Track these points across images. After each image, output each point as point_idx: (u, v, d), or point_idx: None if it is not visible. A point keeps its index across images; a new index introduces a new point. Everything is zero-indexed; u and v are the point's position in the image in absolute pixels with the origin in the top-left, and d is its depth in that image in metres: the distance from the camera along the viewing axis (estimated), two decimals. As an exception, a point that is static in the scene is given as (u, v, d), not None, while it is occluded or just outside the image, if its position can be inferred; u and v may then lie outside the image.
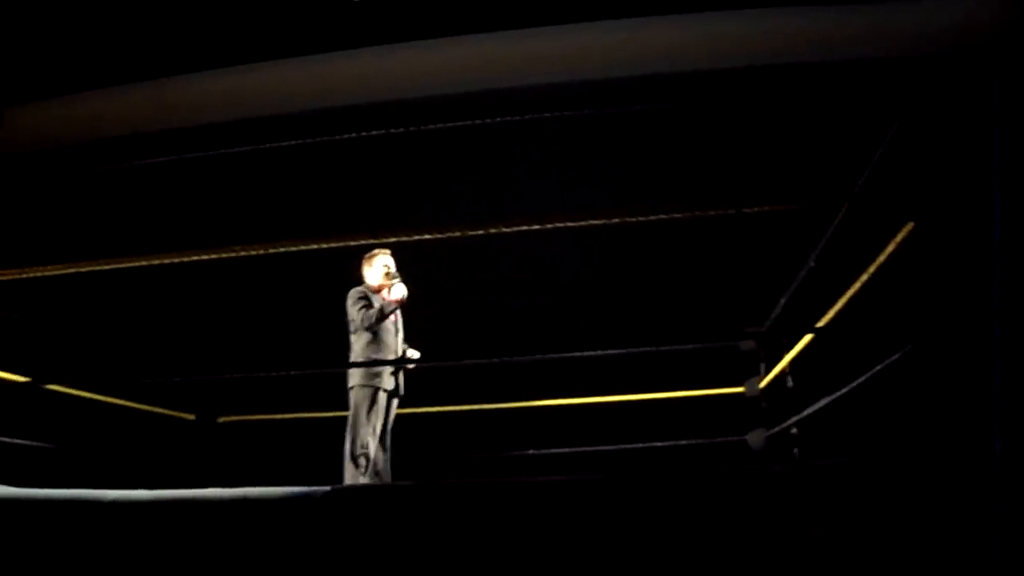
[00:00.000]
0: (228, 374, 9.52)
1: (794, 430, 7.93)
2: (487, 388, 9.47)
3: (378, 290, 7.44)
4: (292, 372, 6.21)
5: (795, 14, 5.27)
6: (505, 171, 9.62)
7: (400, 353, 7.46)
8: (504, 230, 4.84)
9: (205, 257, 5.25)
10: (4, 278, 5.64)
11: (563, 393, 9.22)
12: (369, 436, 7.08)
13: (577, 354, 8.20)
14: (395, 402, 7.37)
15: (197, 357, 10.82)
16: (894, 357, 5.27)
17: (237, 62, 7.80)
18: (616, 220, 4.65)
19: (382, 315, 7.24)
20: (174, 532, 4.47)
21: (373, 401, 7.14)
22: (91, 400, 9.00)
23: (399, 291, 7.30)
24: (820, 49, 5.26)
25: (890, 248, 5.64)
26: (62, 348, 9.83)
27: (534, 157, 9.33)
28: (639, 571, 3.76)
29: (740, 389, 8.75)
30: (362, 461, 7.04)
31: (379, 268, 7.46)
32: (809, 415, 7.13)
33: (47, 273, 5.55)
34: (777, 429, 8.15)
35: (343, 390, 7.33)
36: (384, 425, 7.26)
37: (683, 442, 8.78)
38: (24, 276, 5.59)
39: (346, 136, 5.96)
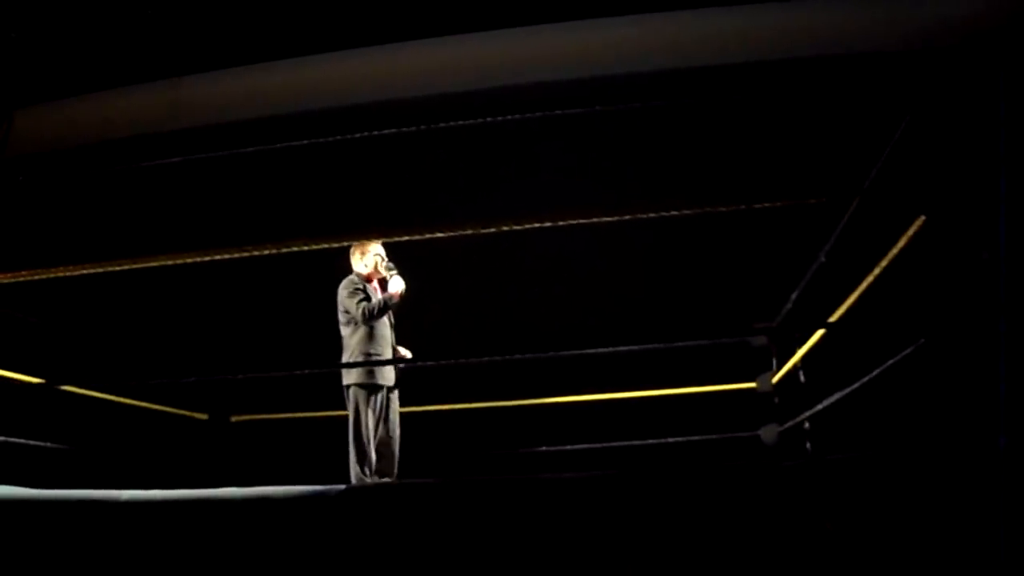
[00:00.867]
0: (240, 374, 9.55)
1: (807, 425, 7.93)
2: (499, 385, 9.48)
3: (369, 279, 7.38)
4: (303, 371, 6.20)
5: (802, 9, 5.28)
6: (516, 168, 9.62)
7: (394, 346, 7.39)
8: (516, 227, 4.85)
9: (216, 257, 5.26)
10: (18, 279, 5.65)
11: (576, 390, 9.22)
12: (371, 434, 7.02)
13: (589, 351, 8.20)
14: (395, 395, 7.29)
15: (209, 357, 10.84)
16: (906, 352, 5.27)
17: (248, 61, 7.82)
18: (627, 216, 4.65)
19: (384, 309, 7.17)
20: (188, 531, 4.49)
21: (373, 397, 7.08)
22: (105, 401, 9.03)
23: (398, 284, 7.19)
24: (828, 44, 5.26)
25: (901, 242, 5.64)
26: (76, 349, 9.86)
27: (546, 154, 9.33)
28: (654, 566, 3.77)
29: (752, 385, 8.75)
30: (368, 461, 6.99)
31: (372, 257, 7.37)
32: (821, 410, 7.14)
33: (60, 275, 5.57)
34: (790, 424, 8.15)
35: (340, 388, 7.26)
36: (388, 420, 7.20)
37: (696, 438, 8.78)
38: (37, 278, 5.61)
39: (357, 135, 5.97)
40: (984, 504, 3.64)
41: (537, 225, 4.79)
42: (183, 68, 7.94)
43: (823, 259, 7.11)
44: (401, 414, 7.37)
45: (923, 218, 5.35)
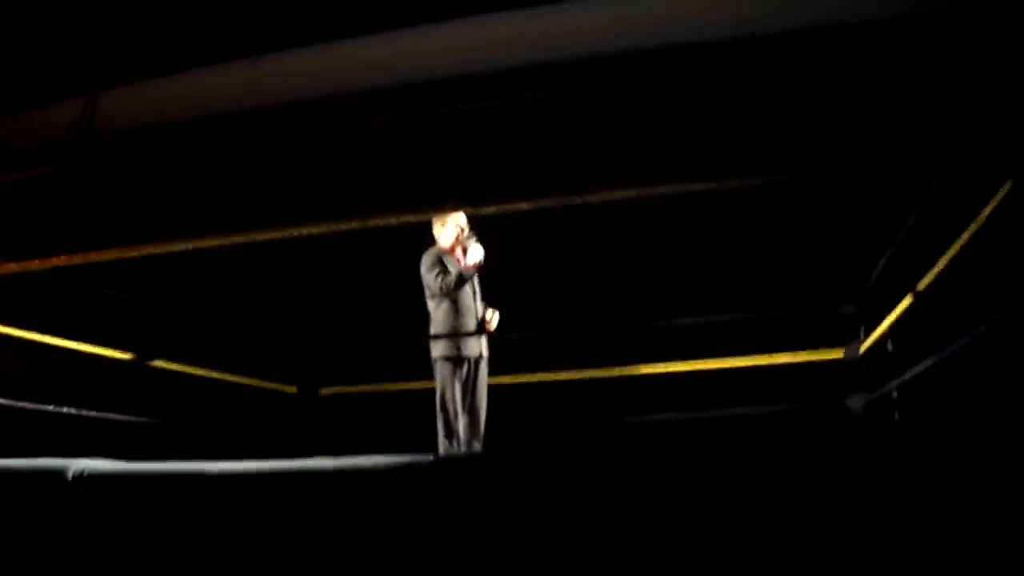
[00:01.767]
0: (329, 347, 9.62)
1: (895, 394, 7.87)
2: (587, 355, 9.49)
3: (451, 250, 7.37)
4: (390, 344, 6.23)
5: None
6: (600, 139, 9.59)
7: (481, 316, 7.41)
8: (602, 198, 4.84)
9: (303, 232, 5.30)
10: (108, 257, 5.73)
11: (662, 360, 9.20)
12: (460, 406, 7.04)
13: (677, 321, 8.19)
14: (483, 367, 7.30)
15: (298, 331, 10.94)
16: (995, 318, 5.21)
17: (330, 38, 7.86)
18: (716, 184, 4.63)
19: (461, 280, 7.13)
20: (279, 503, 4.53)
21: (460, 370, 7.09)
22: (196, 375, 9.15)
23: (476, 253, 7.17)
24: (905, 4, 5.20)
25: (989, 207, 5.57)
26: (166, 325, 9.99)
27: (631, 124, 9.28)
28: (742, 537, 3.77)
29: (840, 353, 8.69)
30: (456, 432, 7.01)
31: (452, 228, 7.35)
32: (910, 379, 7.07)
33: (150, 252, 5.64)
34: (878, 393, 8.08)
35: (429, 359, 7.28)
36: (476, 392, 7.22)
37: (784, 407, 8.73)
38: (127, 255, 5.68)
39: (438, 109, 5.98)
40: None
41: (623, 195, 4.78)
42: (265, 46, 7.99)
43: (911, 225, 7.03)
44: (492, 385, 7.40)
45: (1011, 182, 5.28)
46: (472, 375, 7.14)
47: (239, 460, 4.84)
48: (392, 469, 4.39)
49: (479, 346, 7.21)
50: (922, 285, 6.72)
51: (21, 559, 4.92)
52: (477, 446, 7.13)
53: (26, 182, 6.74)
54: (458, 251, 7.35)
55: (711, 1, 5.73)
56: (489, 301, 7.44)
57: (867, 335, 8.37)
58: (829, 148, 8.54)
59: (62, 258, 5.94)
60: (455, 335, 7.09)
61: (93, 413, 7.81)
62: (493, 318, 7.40)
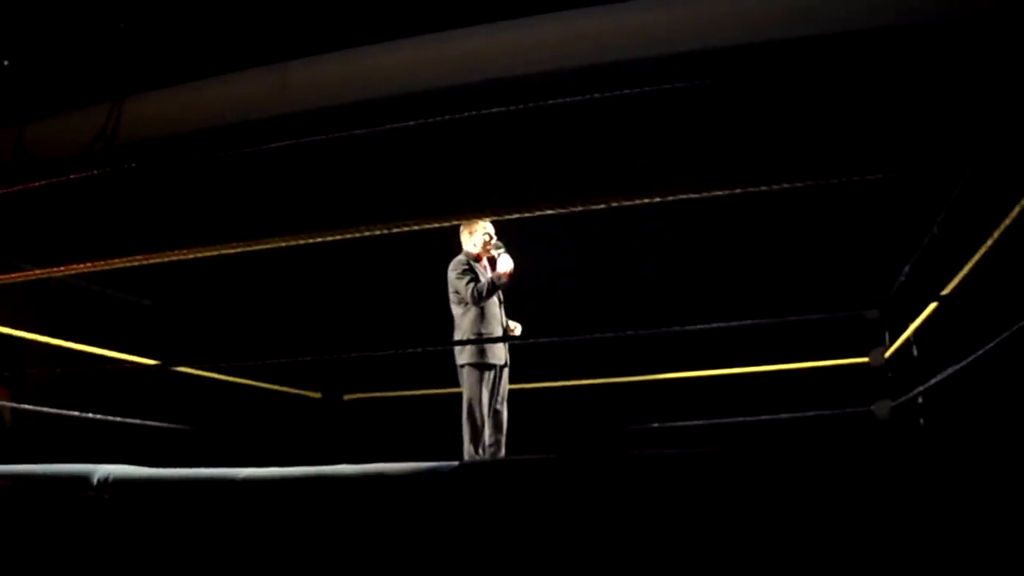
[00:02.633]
0: (353, 353, 9.62)
1: (920, 400, 7.84)
2: (610, 362, 9.47)
3: (478, 258, 7.38)
4: (414, 350, 6.22)
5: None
6: (623, 144, 9.58)
7: (505, 324, 7.40)
8: (624, 203, 4.83)
9: (328, 238, 5.30)
10: (133, 264, 5.74)
11: (686, 366, 9.18)
12: (485, 413, 7.04)
13: (700, 326, 8.17)
14: (506, 373, 7.29)
15: (322, 337, 10.96)
16: (1020, 324, 5.19)
17: (356, 44, 7.87)
18: (739, 190, 4.61)
19: (493, 288, 7.14)
20: (304, 508, 4.54)
21: (485, 377, 7.09)
22: (221, 381, 9.17)
23: (507, 263, 7.17)
24: (931, 10, 5.18)
25: (1015, 212, 5.55)
26: (191, 332, 10.02)
27: (655, 128, 9.28)
28: (766, 544, 3.76)
29: (865, 359, 8.66)
30: (481, 438, 7.01)
31: (480, 236, 7.36)
32: (936, 384, 7.05)
33: (174, 258, 5.64)
34: (903, 399, 8.05)
35: (452, 366, 7.28)
36: (498, 399, 7.22)
37: (809, 413, 8.70)
38: (151, 262, 5.69)
39: (465, 114, 5.98)
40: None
41: (646, 200, 4.77)
42: (290, 53, 8.01)
43: (935, 231, 7.00)
44: (513, 391, 7.40)
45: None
46: (497, 382, 7.14)
47: (264, 466, 4.85)
48: (417, 475, 4.40)
49: (504, 353, 7.21)
50: (947, 290, 6.69)
51: (46, 564, 4.94)
52: (501, 452, 7.13)
53: (51, 189, 6.76)
54: (485, 259, 7.35)
55: (741, 7, 5.73)
56: (510, 307, 7.44)
57: (892, 340, 8.33)
58: (855, 153, 8.52)
59: (87, 265, 5.95)
60: (483, 341, 7.09)
61: (118, 419, 7.84)
62: (516, 330, 7.41)
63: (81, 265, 5.99)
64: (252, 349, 10.34)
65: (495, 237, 7.33)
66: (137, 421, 8.08)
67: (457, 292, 7.19)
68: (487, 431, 7.02)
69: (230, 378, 9.36)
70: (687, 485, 3.96)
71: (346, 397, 10.74)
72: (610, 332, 6.89)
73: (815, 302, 9.03)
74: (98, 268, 5.91)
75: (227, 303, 10.54)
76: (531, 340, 7.66)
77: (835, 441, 4.53)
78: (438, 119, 6.21)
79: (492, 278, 7.13)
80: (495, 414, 7.11)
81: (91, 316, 8.60)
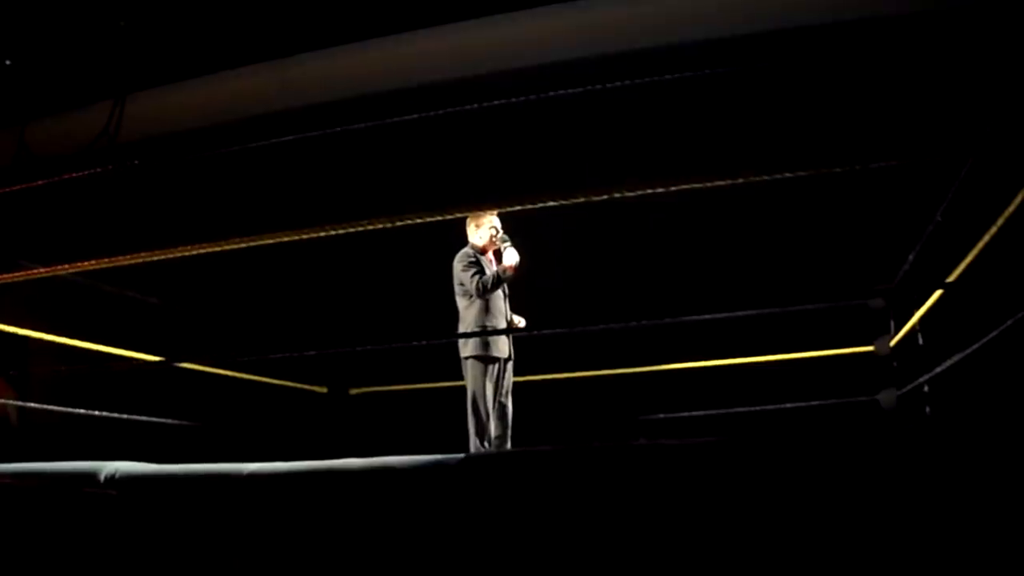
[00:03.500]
0: (359, 347, 9.65)
1: (926, 388, 7.83)
2: (615, 353, 9.47)
3: (484, 251, 7.37)
4: (419, 343, 6.21)
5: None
6: (626, 135, 9.58)
7: (509, 318, 7.41)
8: (627, 194, 4.83)
9: (331, 232, 5.30)
10: (136, 261, 5.74)
11: (691, 356, 9.17)
12: (490, 405, 7.04)
13: (706, 316, 8.17)
14: (510, 367, 7.28)
15: (327, 332, 10.96)
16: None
17: (355, 39, 7.86)
18: (741, 180, 4.61)
19: (498, 282, 7.14)
20: (311, 502, 4.55)
21: (489, 370, 7.08)
22: (227, 377, 9.18)
23: (513, 256, 7.16)
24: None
25: (1019, 199, 5.54)
26: (196, 328, 10.03)
27: (655, 119, 9.27)
28: (773, 534, 3.76)
29: (870, 348, 8.65)
30: (487, 431, 7.01)
31: (486, 229, 7.36)
32: (941, 373, 7.04)
33: (178, 255, 5.65)
34: (909, 388, 8.05)
35: (457, 359, 7.27)
36: (503, 392, 7.21)
37: (814, 403, 8.69)
38: (156, 258, 5.69)
39: (466, 107, 5.98)
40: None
41: (651, 191, 4.77)
42: (291, 49, 8.01)
43: (940, 219, 7.00)
44: (519, 384, 7.40)
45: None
46: (501, 375, 7.14)
47: (270, 461, 4.86)
48: (423, 468, 4.40)
49: (508, 347, 7.21)
50: (952, 278, 6.68)
51: (55, 561, 4.95)
52: (506, 445, 7.13)
53: (55, 187, 6.77)
54: (490, 252, 7.35)
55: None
56: (514, 300, 7.43)
57: (897, 329, 8.33)
58: (859, 141, 8.51)
59: (91, 262, 5.95)
60: (487, 334, 7.08)
61: (125, 416, 7.85)
62: (520, 323, 7.41)
63: (86, 263, 5.99)
64: (258, 345, 10.34)
65: (501, 231, 7.32)
66: (143, 418, 8.09)
67: (462, 284, 7.18)
68: (492, 424, 7.02)
69: (236, 374, 9.36)
70: (693, 475, 3.96)
71: (352, 391, 10.74)
72: (615, 323, 6.89)
73: (820, 291, 9.02)
74: (103, 266, 5.91)
75: (233, 299, 10.54)
76: (535, 332, 7.64)
77: (841, 430, 4.53)
78: (439, 112, 6.20)
79: (498, 271, 7.12)
80: (500, 407, 7.11)
81: (97, 314, 8.61)
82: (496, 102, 6.03)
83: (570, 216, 7.23)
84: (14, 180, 7.15)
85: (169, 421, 8.46)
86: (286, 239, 5.41)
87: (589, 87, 5.89)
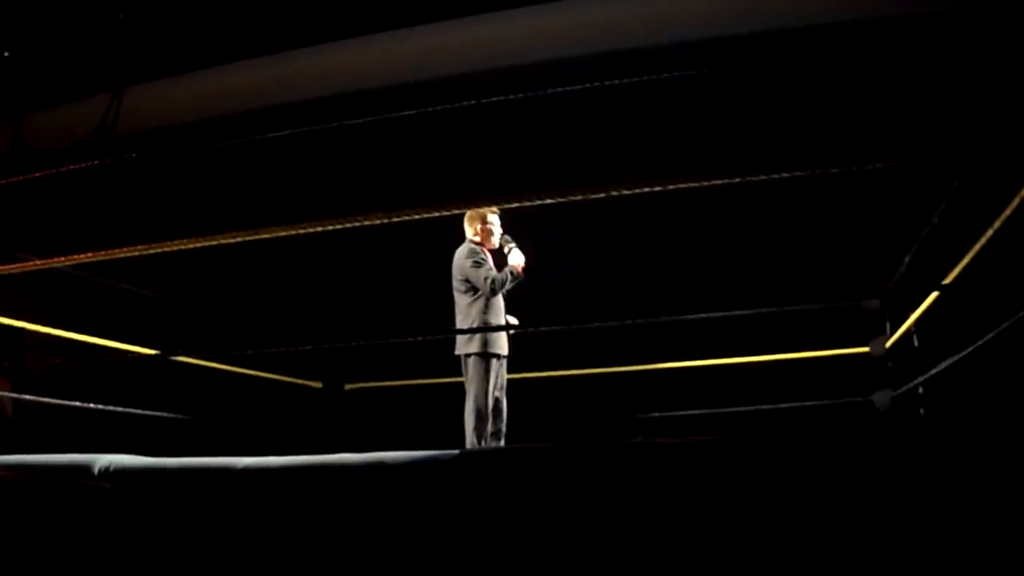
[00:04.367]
0: (354, 342, 9.61)
1: (921, 390, 7.84)
2: (610, 351, 9.48)
3: (482, 244, 7.35)
4: (414, 339, 6.20)
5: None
6: (622, 133, 9.58)
7: (506, 316, 7.39)
8: (622, 192, 4.83)
9: (329, 227, 5.30)
10: (133, 254, 5.74)
11: (688, 355, 9.18)
12: (490, 402, 7.03)
13: (702, 315, 8.17)
14: (504, 364, 7.30)
15: (323, 327, 10.97)
16: (1021, 314, 5.19)
17: (355, 34, 7.86)
18: (738, 179, 4.61)
19: (512, 280, 7.14)
20: (305, 497, 4.55)
21: (491, 367, 7.07)
22: (222, 371, 9.19)
23: (518, 257, 7.16)
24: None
25: (1015, 202, 5.55)
26: (193, 322, 10.03)
27: (653, 117, 9.27)
28: (767, 533, 3.76)
29: (865, 349, 8.66)
30: (485, 427, 7.00)
31: (486, 226, 7.33)
32: (936, 374, 7.05)
33: (175, 248, 5.64)
34: (904, 389, 8.06)
35: (452, 356, 7.27)
36: (499, 388, 7.21)
37: (809, 403, 8.70)
38: (153, 252, 5.69)
39: (465, 103, 5.97)
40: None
41: (648, 189, 4.77)
42: (291, 43, 8.00)
43: (936, 220, 7.00)
44: (515, 380, 7.40)
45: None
46: (499, 372, 7.13)
47: (265, 455, 4.86)
48: (418, 464, 4.40)
49: (506, 344, 7.20)
50: (948, 280, 6.69)
51: (48, 554, 4.95)
52: (501, 442, 7.13)
53: (52, 179, 6.76)
54: (487, 249, 7.33)
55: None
56: (509, 294, 7.42)
57: (893, 330, 8.34)
58: (857, 142, 8.52)
59: (87, 255, 5.95)
60: (487, 330, 7.07)
61: (119, 409, 7.85)
62: (513, 321, 7.41)
63: (82, 255, 5.99)
64: (253, 339, 10.34)
65: (502, 230, 7.31)
66: (138, 411, 8.09)
67: (468, 280, 7.14)
68: (490, 420, 7.01)
69: (231, 368, 9.37)
70: (687, 474, 3.96)
71: (347, 387, 10.75)
72: (611, 321, 6.89)
73: (816, 292, 9.03)
74: (99, 258, 5.91)
75: (228, 293, 10.55)
76: (531, 329, 7.64)
77: (835, 431, 4.54)
78: (436, 109, 6.20)
79: (509, 270, 7.10)
80: (496, 403, 7.10)
81: (92, 306, 8.61)
82: (493, 99, 6.02)
83: (567, 213, 7.24)
84: (11, 172, 7.14)
85: (164, 414, 8.46)
86: (283, 234, 5.41)
87: (587, 85, 5.89)
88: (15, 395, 8.42)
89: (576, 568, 3.97)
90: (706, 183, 4.77)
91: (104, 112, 8.27)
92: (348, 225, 5.24)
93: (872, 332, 8.65)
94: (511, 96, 6.09)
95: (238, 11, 8.08)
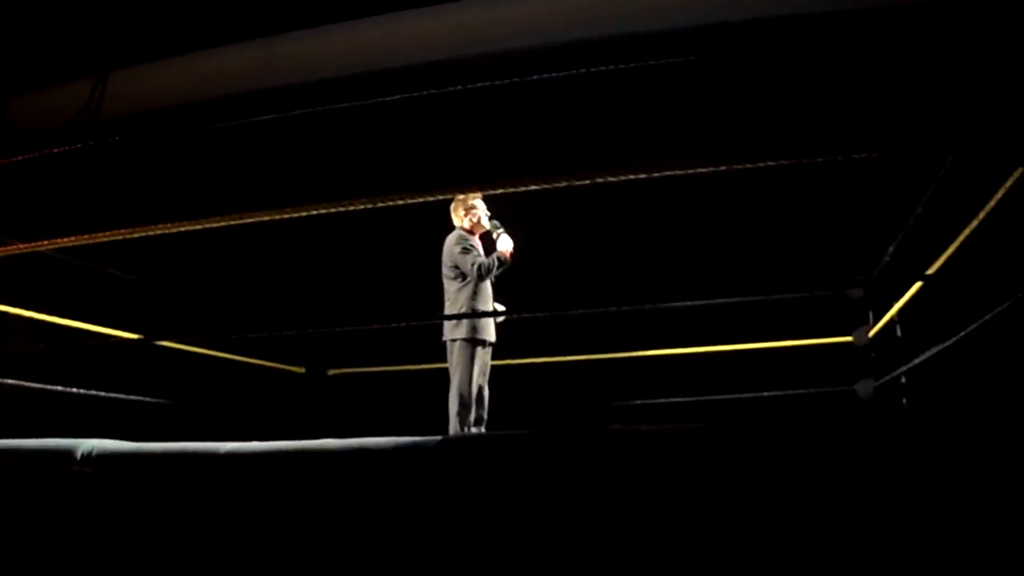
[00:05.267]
0: (337, 327, 9.62)
1: (903, 379, 7.86)
2: (594, 338, 9.49)
3: (472, 233, 7.38)
4: (398, 324, 6.20)
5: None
6: (611, 119, 9.58)
7: (494, 303, 7.39)
8: (609, 179, 4.83)
9: (313, 212, 5.29)
10: (116, 238, 5.72)
11: (670, 343, 9.19)
12: (474, 388, 7.04)
13: (685, 303, 8.18)
14: (489, 351, 7.31)
15: (306, 312, 10.96)
16: (1004, 306, 5.20)
17: (341, 18, 7.84)
18: (723, 167, 4.61)
19: (498, 266, 7.16)
20: (287, 482, 4.54)
21: (477, 353, 7.08)
22: (205, 356, 9.17)
23: (507, 243, 7.17)
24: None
25: (1000, 193, 5.56)
26: (175, 306, 10.01)
27: (639, 104, 9.28)
28: (750, 522, 3.76)
29: (849, 338, 8.68)
30: (469, 413, 7.01)
31: (474, 212, 7.35)
32: (919, 364, 7.07)
33: (158, 232, 5.63)
34: (886, 379, 8.08)
35: (436, 341, 7.29)
36: (484, 374, 7.22)
37: (791, 392, 8.72)
38: (136, 236, 5.67)
39: (450, 88, 5.97)
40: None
41: (632, 176, 4.76)
42: (278, 27, 7.98)
43: (920, 211, 7.02)
44: (498, 367, 7.41)
45: (1021, 169, 5.27)
46: (484, 359, 7.15)
47: (247, 440, 4.85)
48: (400, 449, 4.40)
49: (494, 331, 7.21)
50: (932, 270, 6.70)
51: (29, 538, 4.94)
52: (482, 428, 7.14)
53: (35, 163, 6.74)
54: (477, 235, 7.33)
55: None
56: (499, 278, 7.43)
57: (876, 320, 8.35)
58: (840, 131, 8.53)
59: (71, 239, 5.93)
60: (474, 316, 7.08)
61: (102, 393, 7.84)
62: (500, 308, 7.42)
63: (66, 239, 5.97)
64: (236, 323, 10.33)
65: (490, 215, 7.32)
66: (121, 396, 8.08)
67: (457, 267, 7.15)
68: (473, 407, 7.02)
69: (214, 352, 9.36)
70: (669, 462, 3.97)
71: (330, 372, 10.74)
72: (595, 309, 6.89)
73: (800, 281, 9.04)
74: (82, 242, 5.89)
75: (212, 278, 10.53)
76: (515, 316, 7.63)
77: (818, 419, 4.54)
78: (423, 93, 6.19)
79: (497, 256, 7.11)
80: (479, 390, 7.11)
81: (75, 290, 8.59)
82: (480, 84, 6.02)
83: (552, 200, 7.23)
84: (-4, 153, 7.12)
85: (146, 399, 8.45)
86: (267, 219, 5.40)
87: (575, 71, 5.89)
88: (-4, 379, 8.40)
89: (557, 555, 3.97)
90: (693, 171, 4.77)
91: (89, 95, 8.24)
92: (333, 210, 5.23)
93: (855, 321, 8.66)
94: (498, 82, 6.09)
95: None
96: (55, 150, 6.78)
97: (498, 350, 7.39)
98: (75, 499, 4.93)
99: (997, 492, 3.50)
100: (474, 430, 7.03)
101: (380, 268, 10.60)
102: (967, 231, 6.09)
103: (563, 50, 6.57)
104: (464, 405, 6.96)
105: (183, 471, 4.80)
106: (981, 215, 5.85)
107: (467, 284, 7.12)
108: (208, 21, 8.25)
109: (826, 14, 5.62)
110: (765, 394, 8.79)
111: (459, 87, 5.97)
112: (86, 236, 5.81)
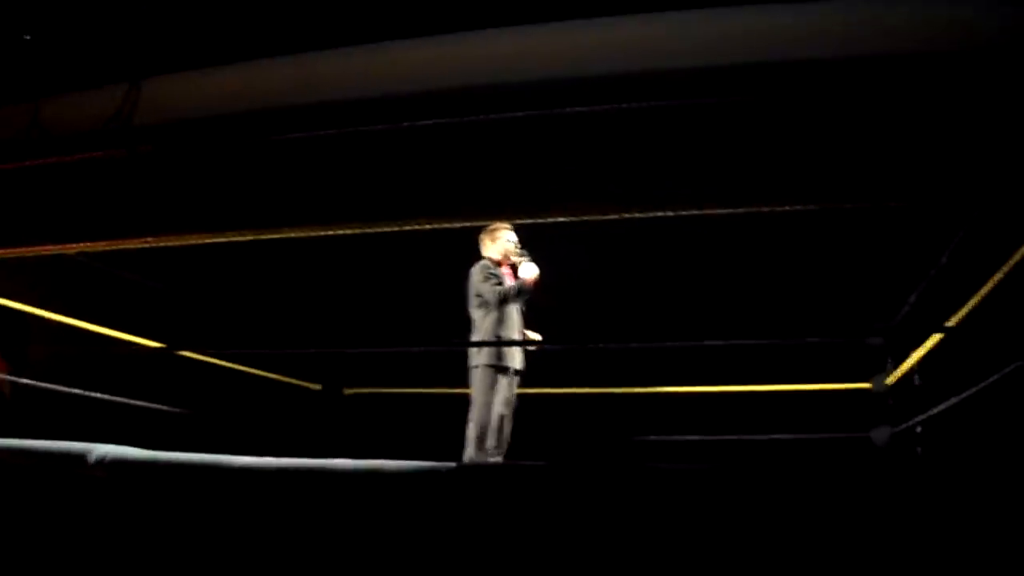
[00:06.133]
0: (357, 347, 9.64)
1: (919, 429, 7.85)
2: (609, 373, 9.48)
3: (500, 264, 7.38)
4: (418, 348, 6.21)
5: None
6: (635, 157, 9.58)
7: (523, 332, 7.39)
8: (635, 215, 4.84)
9: (339, 232, 5.31)
10: (143, 245, 5.76)
11: (688, 381, 9.18)
12: (493, 415, 7.02)
13: (705, 343, 8.18)
14: (517, 380, 7.28)
15: (326, 330, 10.98)
16: (1019, 363, 5.20)
17: (376, 39, 7.87)
18: (749, 209, 4.62)
19: (519, 293, 7.15)
20: (298, 500, 4.55)
21: (499, 380, 7.07)
22: (224, 367, 9.19)
23: (531, 270, 7.17)
24: (953, 39, 5.17)
25: (1023, 249, 5.55)
26: (197, 317, 10.04)
27: (665, 144, 9.28)
28: (758, 565, 3.77)
29: (867, 385, 8.67)
30: (486, 441, 6.99)
31: (504, 243, 7.38)
32: (935, 414, 7.05)
33: (185, 243, 5.67)
34: (903, 427, 8.06)
35: (465, 367, 7.28)
36: (507, 403, 7.19)
37: (807, 436, 8.70)
38: (163, 244, 5.71)
39: (484, 116, 5.99)
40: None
41: (657, 214, 4.78)
42: (315, 44, 8.02)
43: (945, 261, 7.01)
44: (521, 395, 7.39)
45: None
46: (508, 386, 7.13)
47: (261, 454, 4.86)
48: (414, 474, 4.40)
49: (521, 359, 7.20)
50: (952, 322, 6.69)
51: (39, 538, 4.96)
52: (500, 457, 7.12)
53: (66, 166, 6.79)
54: (506, 265, 7.34)
55: (754, 27, 5.72)
56: (529, 309, 7.43)
57: (895, 368, 8.34)
58: (867, 179, 8.52)
59: (98, 244, 5.97)
60: (497, 344, 7.08)
61: (119, 399, 7.86)
62: (535, 337, 7.41)
63: (92, 243, 6.01)
64: (254, 337, 10.35)
65: (518, 244, 7.34)
66: (138, 402, 8.10)
67: (480, 295, 7.16)
68: (491, 435, 7.00)
69: (232, 365, 9.38)
70: (681, 501, 3.97)
71: (346, 391, 10.75)
72: (613, 343, 6.90)
73: (821, 325, 9.04)
74: (109, 247, 5.93)
75: (235, 290, 10.56)
76: (535, 346, 7.63)
77: (833, 464, 4.54)
78: (459, 119, 6.21)
79: (517, 284, 7.12)
80: (499, 419, 7.09)
81: (99, 295, 8.63)
82: (517, 113, 6.04)
83: (579, 234, 7.24)
84: (26, 156, 7.16)
85: (162, 407, 8.47)
86: (293, 235, 5.43)
87: (609, 105, 5.90)
88: (14, 378, 8.42)
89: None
90: (718, 211, 4.78)
91: (122, 101, 8.29)
92: (359, 231, 5.25)
93: (874, 368, 8.65)
94: (530, 112, 6.11)
95: (262, 8, 8.11)
96: (86, 154, 6.82)
97: (523, 378, 7.37)
98: (84, 502, 4.94)
99: (1007, 545, 3.50)
100: (492, 459, 7.00)
101: (404, 290, 10.61)
102: (990, 285, 6.08)
103: (600, 83, 6.57)
104: (481, 432, 6.94)
105: (195, 483, 4.81)
106: (1005, 268, 5.84)
107: (490, 312, 7.12)
108: (245, 34, 8.29)
109: (856, 58, 5.62)
110: (782, 436, 8.77)
111: (495, 115, 5.99)
112: (114, 242, 5.85)
